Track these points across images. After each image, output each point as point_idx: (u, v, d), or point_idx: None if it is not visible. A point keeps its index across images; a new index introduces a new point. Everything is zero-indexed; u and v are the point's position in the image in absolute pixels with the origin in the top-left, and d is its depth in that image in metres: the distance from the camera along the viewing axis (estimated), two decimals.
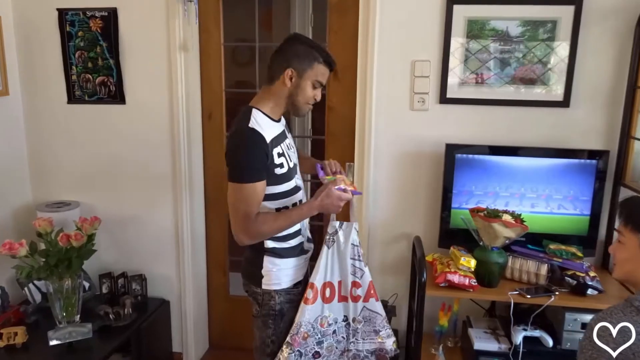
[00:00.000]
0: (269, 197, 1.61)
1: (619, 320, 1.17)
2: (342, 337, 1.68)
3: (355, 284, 1.66)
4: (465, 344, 2.26)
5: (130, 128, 2.59)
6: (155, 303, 2.66)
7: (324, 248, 1.64)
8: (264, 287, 1.67)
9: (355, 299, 1.67)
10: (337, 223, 1.65)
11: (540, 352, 2.05)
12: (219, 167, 2.70)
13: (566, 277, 2.04)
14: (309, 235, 1.84)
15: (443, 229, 2.31)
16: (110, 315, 2.39)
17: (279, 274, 1.67)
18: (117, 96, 2.55)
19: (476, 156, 2.23)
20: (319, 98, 1.68)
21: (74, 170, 2.68)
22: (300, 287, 1.71)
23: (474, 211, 2.08)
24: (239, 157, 1.57)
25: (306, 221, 1.76)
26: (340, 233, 1.63)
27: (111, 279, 2.66)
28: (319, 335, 1.64)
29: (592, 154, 2.18)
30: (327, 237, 1.64)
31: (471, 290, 2.04)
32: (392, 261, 2.51)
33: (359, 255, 1.66)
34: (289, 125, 1.86)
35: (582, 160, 2.18)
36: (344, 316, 1.67)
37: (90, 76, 2.55)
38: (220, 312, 2.90)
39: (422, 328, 2.11)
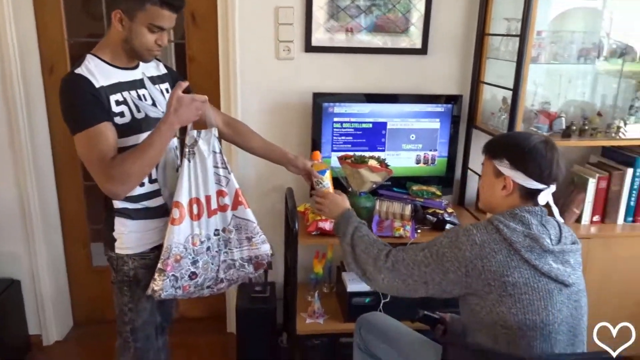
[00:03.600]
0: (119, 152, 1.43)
1: (481, 233, 1.36)
2: (216, 251, 1.59)
3: (221, 193, 1.56)
4: (340, 288, 2.32)
5: None
6: (2, 284, 2.35)
7: (185, 162, 1.49)
8: (117, 250, 1.53)
9: (223, 208, 1.57)
10: (195, 132, 1.50)
11: None
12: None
13: (427, 215, 2.17)
14: None
15: None
16: None
17: (131, 236, 1.53)
18: None
19: (342, 104, 2.24)
20: (164, 43, 1.48)
21: None
22: (158, 250, 1.55)
23: (342, 158, 2.10)
24: (69, 105, 1.39)
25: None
26: (201, 142, 1.49)
27: None
28: (192, 255, 1.53)
29: (448, 99, 2.31)
30: (186, 149, 1.49)
31: None
32: (265, 214, 2.46)
33: (222, 162, 1.55)
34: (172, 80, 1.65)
35: (440, 105, 2.30)
36: (215, 230, 1.58)
37: None
38: (83, 286, 2.65)
39: (296, 277, 2.12)
